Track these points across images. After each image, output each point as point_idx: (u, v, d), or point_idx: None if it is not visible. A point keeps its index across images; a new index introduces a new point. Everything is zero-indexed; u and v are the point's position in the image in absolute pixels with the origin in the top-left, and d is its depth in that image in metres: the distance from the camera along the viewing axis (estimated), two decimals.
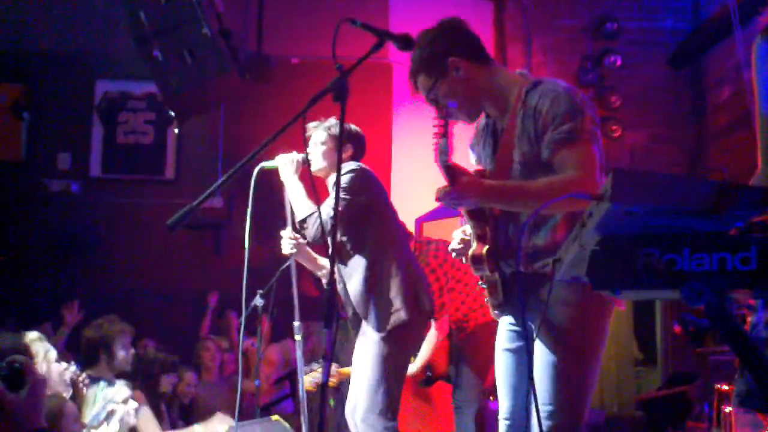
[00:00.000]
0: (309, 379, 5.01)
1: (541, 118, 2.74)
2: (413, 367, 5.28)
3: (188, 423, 5.61)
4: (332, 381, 5.08)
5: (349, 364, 4.51)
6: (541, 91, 2.78)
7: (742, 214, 1.69)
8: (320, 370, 5.10)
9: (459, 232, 3.07)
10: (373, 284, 3.95)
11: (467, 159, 3.16)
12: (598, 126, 2.77)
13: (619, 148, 7.71)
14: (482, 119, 3.08)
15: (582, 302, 2.75)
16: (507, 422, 2.99)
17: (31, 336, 4.41)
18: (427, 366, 5.50)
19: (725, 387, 4.50)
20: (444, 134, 2.70)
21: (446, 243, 5.46)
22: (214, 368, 6.39)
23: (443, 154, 2.68)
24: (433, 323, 5.24)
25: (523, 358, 2.91)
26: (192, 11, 5.63)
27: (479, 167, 3.04)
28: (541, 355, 2.79)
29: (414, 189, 5.84)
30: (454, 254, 3.09)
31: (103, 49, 7.51)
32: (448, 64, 2.90)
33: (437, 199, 2.75)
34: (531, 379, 2.58)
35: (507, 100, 2.89)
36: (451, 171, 2.70)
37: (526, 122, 2.78)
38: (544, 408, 2.76)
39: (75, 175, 7.61)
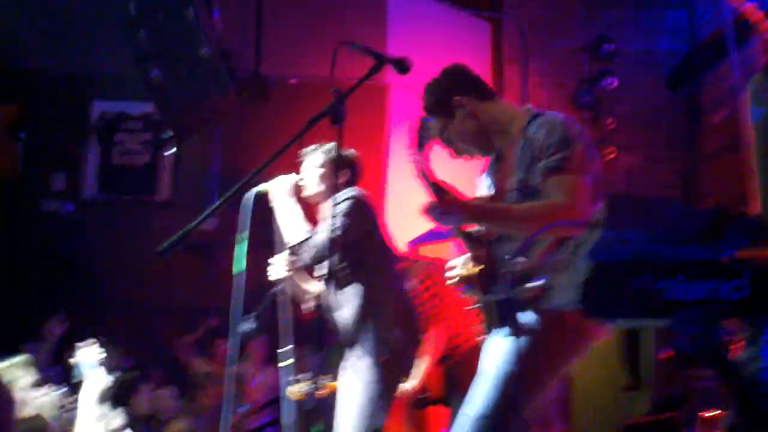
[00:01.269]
0: (297, 389, 4.99)
1: (536, 147, 2.84)
2: (411, 383, 5.24)
3: None
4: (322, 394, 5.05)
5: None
6: (539, 122, 2.90)
7: (734, 242, 1.70)
8: (307, 382, 5.08)
9: (460, 261, 3.11)
10: (368, 312, 3.94)
11: (465, 181, 3.21)
12: (592, 158, 2.86)
13: (615, 169, 7.72)
14: None
15: (547, 323, 2.78)
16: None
17: (15, 360, 4.40)
18: (423, 387, 5.47)
19: (711, 414, 4.50)
20: (418, 147, 2.84)
21: (434, 262, 5.51)
22: (210, 401, 6.34)
23: (420, 165, 2.84)
24: (430, 336, 5.24)
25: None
26: (190, 31, 5.65)
27: (481, 195, 3.15)
28: (496, 364, 2.87)
29: (409, 211, 5.83)
30: (454, 279, 3.11)
31: (99, 70, 7.51)
32: (454, 103, 3.05)
33: (424, 211, 2.84)
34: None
35: (510, 131, 3.01)
36: (436, 188, 2.84)
37: (524, 151, 2.89)
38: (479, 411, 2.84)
39: (69, 196, 7.59)
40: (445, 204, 2.81)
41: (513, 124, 3.01)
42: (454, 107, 3.05)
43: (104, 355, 4.51)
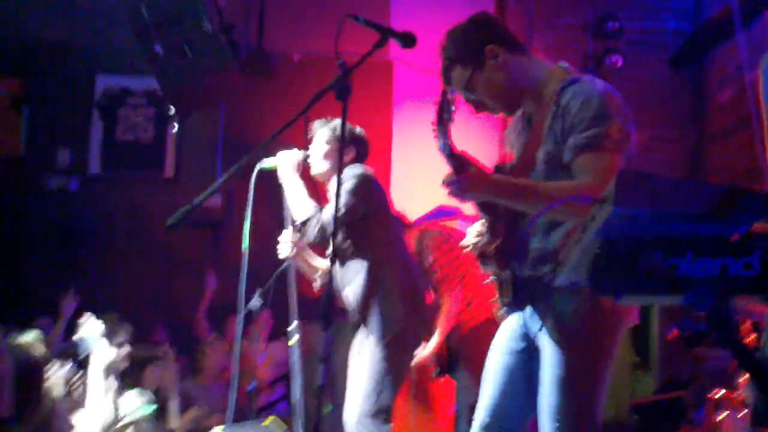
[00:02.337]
0: None
1: (569, 119, 2.63)
2: (428, 350, 5.25)
3: None
4: None
5: (342, 365, 4.50)
6: (575, 91, 2.67)
7: (746, 219, 1.67)
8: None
9: (476, 226, 2.97)
10: (374, 289, 3.93)
11: (480, 147, 3.11)
12: (629, 135, 2.68)
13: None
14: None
15: (593, 316, 2.66)
16: (486, 420, 2.92)
17: (28, 337, 4.40)
18: (438, 356, 5.46)
19: (720, 393, 4.48)
20: (441, 121, 2.64)
21: (451, 229, 5.51)
22: (216, 370, 6.33)
23: (442, 140, 2.63)
24: (444, 301, 5.25)
25: (520, 360, 2.86)
26: (193, 6, 5.63)
27: (502, 160, 2.97)
28: (550, 369, 2.71)
29: (414, 189, 5.83)
30: (468, 249, 2.97)
31: (103, 44, 7.47)
32: (486, 52, 2.81)
33: (443, 184, 2.67)
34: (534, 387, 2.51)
35: (543, 93, 2.80)
36: (457, 160, 2.63)
37: (555, 120, 2.68)
38: (551, 424, 2.70)
39: (74, 172, 7.57)
40: (463, 179, 2.61)
41: (547, 85, 2.78)
42: (486, 56, 2.80)
43: (105, 328, 4.53)
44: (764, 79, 2.25)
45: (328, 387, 5.24)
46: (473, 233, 2.95)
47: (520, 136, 2.95)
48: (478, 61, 2.82)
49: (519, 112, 2.98)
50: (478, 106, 2.90)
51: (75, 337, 4.42)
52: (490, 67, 2.81)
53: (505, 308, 2.91)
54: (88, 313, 4.55)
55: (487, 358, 3.01)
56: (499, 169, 2.87)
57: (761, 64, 2.30)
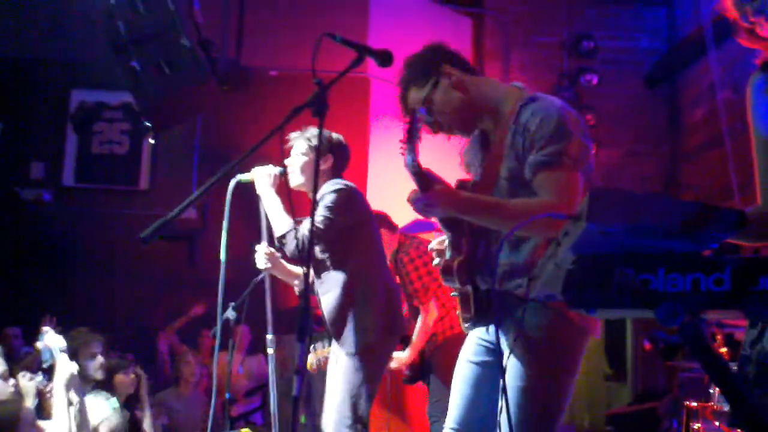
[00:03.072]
0: (312, 358, 4.97)
1: (528, 136, 2.67)
2: (404, 355, 5.24)
3: None
4: (310, 364, 5.03)
5: (319, 375, 4.49)
6: (534, 109, 2.71)
7: (716, 235, 1.69)
8: (323, 350, 5.06)
9: (436, 242, 3.02)
10: (349, 303, 3.92)
11: (450, 166, 3.14)
12: (587, 151, 2.72)
13: (594, 165, 7.75)
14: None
15: (556, 329, 2.70)
16: (454, 431, 2.93)
17: None
18: (411, 363, 5.45)
19: (694, 404, 4.51)
20: (410, 138, 2.66)
21: (427, 241, 5.50)
22: (192, 382, 6.32)
23: (410, 157, 2.65)
24: (422, 311, 5.24)
25: (487, 372, 2.88)
26: (171, 22, 5.62)
27: (465, 177, 3.00)
28: (512, 381, 2.71)
29: (390, 203, 5.84)
30: (434, 263, 3.03)
31: (79, 58, 7.45)
32: (441, 71, 2.87)
33: (408, 201, 2.71)
34: (506, 403, 2.53)
35: (500, 111, 2.84)
36: (423, 178, 2.66)
37: (516, 138, 2.71)
38: None
39: (48, 184, 7.54)
40: (429, 195, 2.63)
41: (504, 104, 2.82)
42: (441, 75, 2.85)
43: (74, 343, 4.50)
44: (753, 98, 2.23)
45: (304, 398, 5.20)
46: (434, 249, 3.01)
47: (478, 153, 2.98)
48: (434, 81, 2.87)
49: (476, 132, 3.01)
50: (435, 127, 2.92)
51: (37, 345, 4.40)
52: (445, 86, 2.87)
53: (467, 323, 2.94)
54: (47, 327, 4.52)
55: (455, 369, 3.03)
56: (461, 186, 2.91)
57: (750, 83, 2.28)
